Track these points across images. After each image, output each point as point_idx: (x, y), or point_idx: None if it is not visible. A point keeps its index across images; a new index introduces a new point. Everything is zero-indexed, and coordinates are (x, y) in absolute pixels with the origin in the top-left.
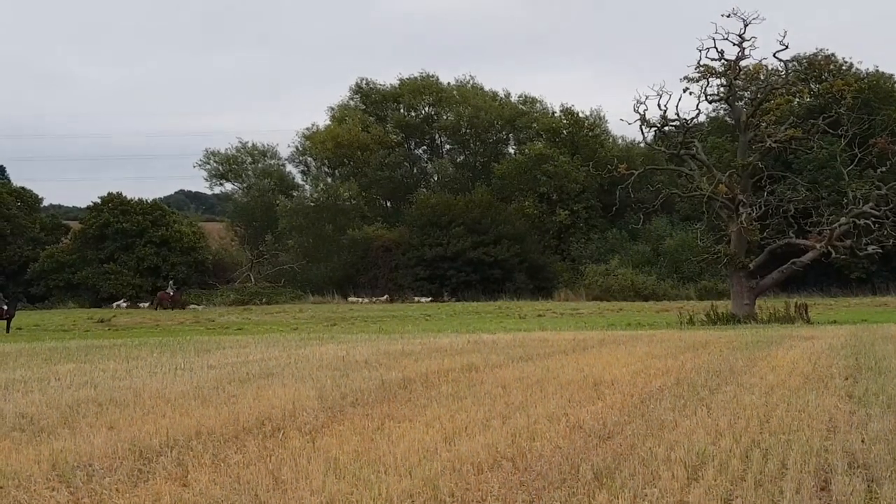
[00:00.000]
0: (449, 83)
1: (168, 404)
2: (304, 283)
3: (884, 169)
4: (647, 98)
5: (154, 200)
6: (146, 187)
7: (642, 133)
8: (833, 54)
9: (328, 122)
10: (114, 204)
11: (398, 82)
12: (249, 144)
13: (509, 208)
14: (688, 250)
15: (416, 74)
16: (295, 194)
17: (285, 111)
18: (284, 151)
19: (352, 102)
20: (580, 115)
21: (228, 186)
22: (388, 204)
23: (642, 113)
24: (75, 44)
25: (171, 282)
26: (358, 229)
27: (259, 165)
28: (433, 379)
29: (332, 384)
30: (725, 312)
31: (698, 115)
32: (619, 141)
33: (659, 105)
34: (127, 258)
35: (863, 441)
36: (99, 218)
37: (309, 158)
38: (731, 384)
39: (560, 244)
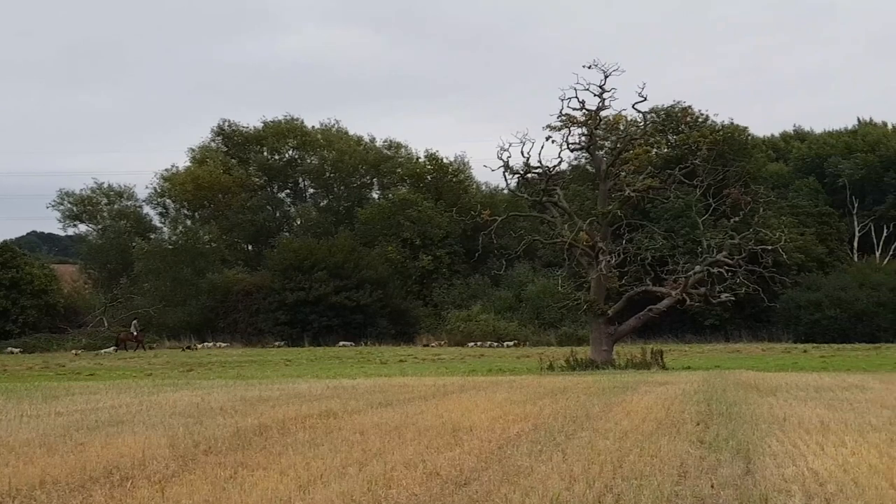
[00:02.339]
0: (314, 126)
1: (11, 452)
2: (161, 327)
3: (737, 219)
4: (510, 145)
5: (4, 241)
6: None
7: (506, 180)
8: (690, 107)
9: (188, 163)
10: None
11: (262, 125)
12: (105, 185)
13: (372, 253)
14: (549, 296)
15: (280, 117)
16: (152, 236)
17: (144, 152)
18: (142, 193)
19: (213, 144)
20: (444, 160)
21: (83, 228)
22: (250, 247)
23: (506, 160)
24: None
25: (134, 321)
26: (218, 273)
27: (115, 206)
28: (290, 425)
29: (184, 432)
30: (585, 358)
31: (560, 163)
32: (483, 187)
33: (522, 152)
34: None
35: (712, 486)
36: None
37: (168, 200)
38: (587, 430)
39: (423, 289)
